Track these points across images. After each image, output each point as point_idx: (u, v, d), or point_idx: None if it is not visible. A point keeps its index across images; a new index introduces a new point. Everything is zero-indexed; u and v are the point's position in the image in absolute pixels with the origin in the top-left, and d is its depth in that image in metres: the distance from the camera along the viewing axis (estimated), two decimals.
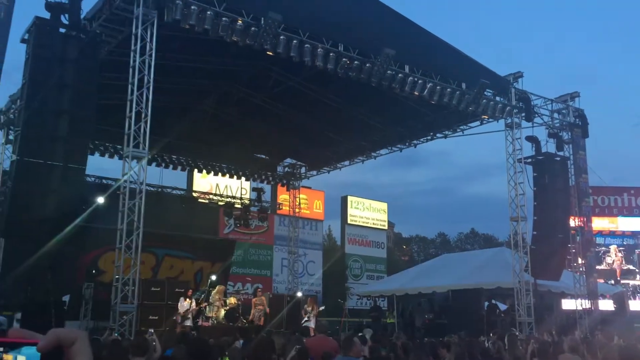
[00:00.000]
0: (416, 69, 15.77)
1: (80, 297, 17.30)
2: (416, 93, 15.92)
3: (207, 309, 16.22)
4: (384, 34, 15.38)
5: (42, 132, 11.23)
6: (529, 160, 18.43)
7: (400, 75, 15.42)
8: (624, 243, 33.84)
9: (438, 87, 16.00)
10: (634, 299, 29.93)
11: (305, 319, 17.40)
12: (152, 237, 17.22)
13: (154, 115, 12.49)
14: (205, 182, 26.55)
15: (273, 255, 31.13)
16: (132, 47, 12.32)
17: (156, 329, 13.31)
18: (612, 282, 30.47)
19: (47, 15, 11.61)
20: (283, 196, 27.53)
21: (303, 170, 25.66)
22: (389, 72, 15.10)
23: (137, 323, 12.00)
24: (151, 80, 12.36)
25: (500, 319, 19.67)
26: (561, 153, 18.95)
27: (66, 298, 15.26)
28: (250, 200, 26.22)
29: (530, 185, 18.12)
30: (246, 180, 25.22)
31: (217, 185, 26.85)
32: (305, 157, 24.93)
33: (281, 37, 13.58)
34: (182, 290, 16.23)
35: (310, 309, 17.77)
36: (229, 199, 25.79)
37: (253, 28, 13.22)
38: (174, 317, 15.41)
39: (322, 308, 20.65)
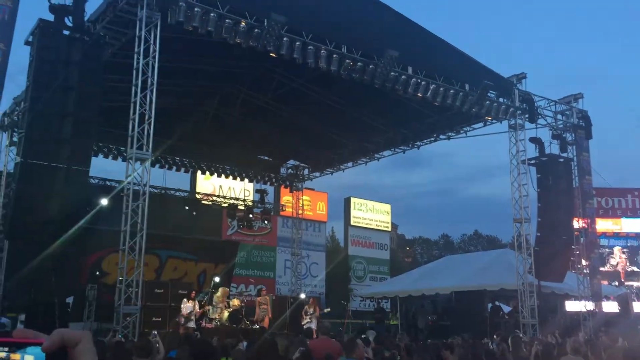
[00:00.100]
0: (419, 70, 15.76)
1: (83, 298, 17.31)
2: (419, 94, 15.92)
3: (211, 310, 16.22)
4: (387, 36, 15.38)
5: (46, 134, 11.25)
6: (533, 161, 18.38)
7: (403, 76, 15.41)
8: (628, 244, 33.76)
9: (441, 89, 15.99)
10: (638, 300, 29.79)
11: (307, 320, 17.38)
12: (155, 239, 17.25)
13: (158, 117, 12.51)
14: (208, 184, 26.58)
15: (276, 256, 31.12)
16: (136, 49, 12.35)
17: (159, 330, 13.34)
18: (616, 283, 30.35)
19: (51, 17, 11.64)
20: (286, 198, 27.53)
21: (306, 171, 25.67)
22: (392, 73, 15.09)
23: (141, 325, 12.01)
24: (155, 82, 12.38)
25: (503, 321, 19.62)
26: (565, 154, 18.91)
27: (70, 300, 15.30)
28: (253, 201, 26.24)
29: (533, 187, 18.10)
30: (249, 181, 25.26)
31: (220, 186, 26.88)
32: (308, 159, 24.94)
33: (284, 38, 13.60)
34: (186, 291, 16.25)
35: (311, 310, 17.75)
36: (232, 201, 25.81)
37: (256, 30, 13.24)
38: (177, 319, 15.42)
39: (327, 310, 20.60)
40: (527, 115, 17.81)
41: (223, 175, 23.89)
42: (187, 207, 23.53)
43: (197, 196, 25.38)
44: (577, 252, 19.09)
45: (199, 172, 24.08)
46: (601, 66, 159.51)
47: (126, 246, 11.80)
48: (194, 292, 16.56)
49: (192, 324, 15.33)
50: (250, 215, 25.33)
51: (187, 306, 15.60)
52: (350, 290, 31.97)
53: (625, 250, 33.54)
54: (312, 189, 30.26)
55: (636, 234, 33.55)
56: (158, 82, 12.56)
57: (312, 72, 15.91)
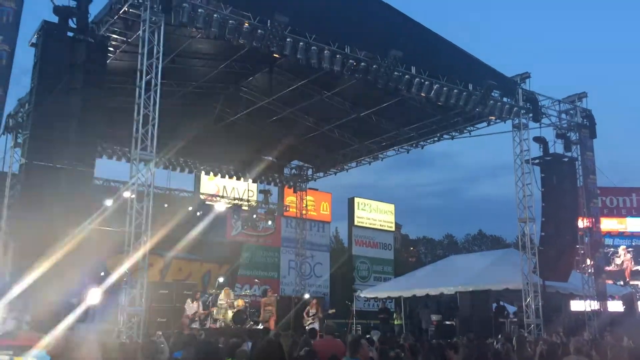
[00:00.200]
0: (423, 70, 15.74)
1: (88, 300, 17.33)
2: (423, 94, 15.90)
3: (215, 311, 16.25)
4: (391, 36, 15.36)
5: (50, 135, 11.26)
6: (537, 161, 18.34)
7: (407, 76, 15.39)
8: (633, 244, 33.66)
9: (445, 89, 15.97)
10: None
11: (310, 320, 17.38)
12: (159, 240, 17.27)
13: (162, 118, 12.53)
14: (212, 185, 26.60)
15: (280, 257, 31.10)
16: (140, 51, 12.37)
17: (164, 331, 13.38)
18: (621, 283, 30.30)
19: (54, 19, 11.66)
20: (290, 198, 27.54)
21: (310, 172, 25.68)
22: (395, 73, 15.08)
23: (145, 326, 12.02)
24: (159, 83, 12.39)
25: (508, 321, 19.59)
26: (569, 154, 18.84)
27: (74, 301, 15.31)
28: (257, 202, 26.27)
29: (538, 186, 18.01)
30: (253, 182, 25.28)
31: (224, 187, 26.90)
32: (312, 159, 24.94)
33: (288, 39, 13.61)
34: (190, 292, 16.28)
35: (313, 311, 17.74)
36: (236, 201, 25.84)
37: (260, 30, 13.25)
38: (183, 320, 15.46)
39: (332, 311, 20.62)
40: (531, 115, 17.77)
41: (227, 176, 23.92)
42: (191, 208, 23.56)
43: (201, 197, 25.41)
44: (582, 252, 19.02)
45: (202, 173, 24.10)
46: (607, 65, 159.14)
47: (131, 247, 11.83)
48: (198, 292, 16.61)
49: (196, 325, 15.37)
50: (254, 216, 25.37)
51: (191, 306, 15.65)
52: (354, 290, 31.96)
53: (630, 249, 33.44)
54: (316, 189, 30.23)
55: None
56: (162, 83, 12.58)
57: (316, 72, 15.93)
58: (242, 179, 24.17)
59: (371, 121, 20.14)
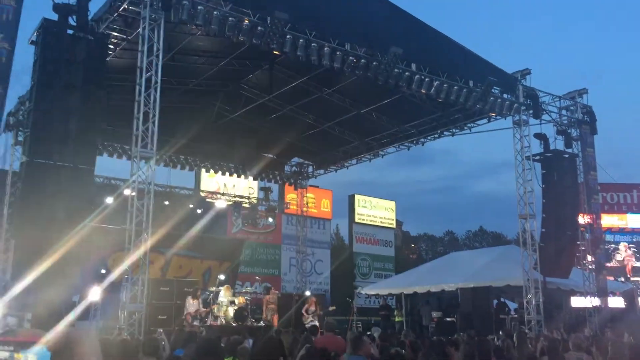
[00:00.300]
0: (423, 67, 15.73)
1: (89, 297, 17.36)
2: (423, 91, 15.89)
3: (216, 308, 16.25)
4: (391, 32, 15.35)
5: (51, 133, 11.27)
6: (538, 157, 18.32)
7: (407, 73, 15.38)
8: (634, 240, 33.65)
9: (445, 85, 15.95)
10: None
11: (310, 318, 17.37)
12: (160, 237, 17.27)
13: (162, 116, 12.53)
14: (212, 182, 26.60)
15: (281, 254, 31.14)
16: (140, 48, 12.37)
17: (165, 328, 13.39)
18: (622, 279, 30.28)
19: (54, 16, 11.65)
20: (290, 195, 27.54)
21: (310, 169, 25.68)
22: (395, 70, 15.07)
23: (146, 323, 12.04)
24: (159, 81, 12.39)
25: (509, 317, 19.61)
26: (570, 150, 18.83)
27: (75, 298, 15.34)
28: (257, 199, 26.27)
29: (538, 183, 18.01)
30: (254, 179, 25.26)
31: (224, 184, 26.89)
32: (312, 156, 24.95)
33: (287, 36, 13.59)
34: (191, 289, 16.29)
35: (312, 308, 17.72)
36: (236, 199, 25.85)
37: (259, 27, 13.24)
38: (183, 317, 15.46)
39: (332, 308, 20.61)
40: (531, 111, 17.76)
41: (227, 173, 23.92)
42: (191, 205, 23.57)
43: (202, 194, 25.42)
44: (583, 248, 19.02)
45: (203, 170, 24.10)
46: (607, 61, 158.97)
47: (131, 244, 11.84)
48: (199, 290, 16.62)
49: (196, 322, 15.38)
50: (255, 213, 25.37)
51: (192, 304, 15.65)
52: (355, 287, 31.99)
53: (631, 245, 33.43)
54: (317, 187, 30.27)
55: None
56: (162, 81, 12.58)
57: (316, 69, 15.92)
58: (242, 176, 24.16)
59: (371, 118, 20.14)
